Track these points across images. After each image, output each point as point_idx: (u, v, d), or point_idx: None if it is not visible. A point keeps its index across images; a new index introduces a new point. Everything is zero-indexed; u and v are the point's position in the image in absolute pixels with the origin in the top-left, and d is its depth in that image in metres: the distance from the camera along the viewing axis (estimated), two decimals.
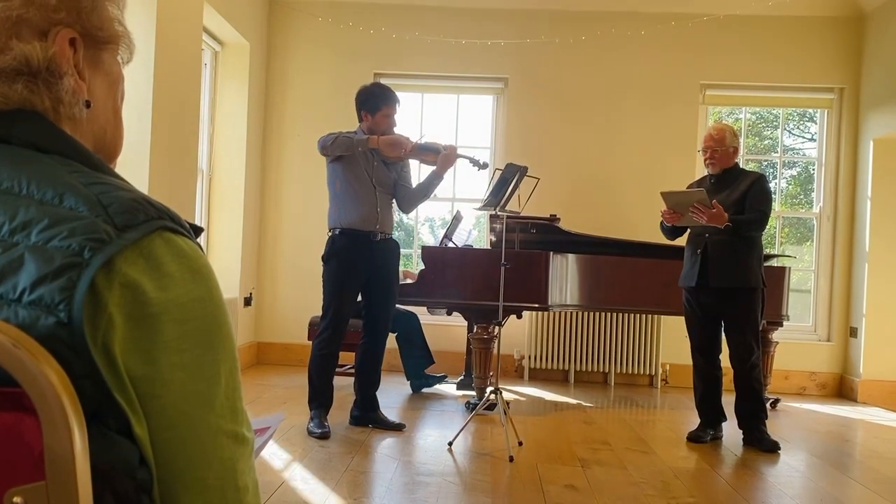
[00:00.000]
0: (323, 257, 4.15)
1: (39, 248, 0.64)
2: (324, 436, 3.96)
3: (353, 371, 5.02)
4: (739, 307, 4.17)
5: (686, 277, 4.32)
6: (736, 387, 4.27)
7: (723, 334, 4.32)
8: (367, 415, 4.27)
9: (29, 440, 0.58)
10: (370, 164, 4.14)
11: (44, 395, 0.57)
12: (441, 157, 4.15)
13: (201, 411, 0.71)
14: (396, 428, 4.22)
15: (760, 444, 4.17)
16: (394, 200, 4.31)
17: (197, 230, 0.78)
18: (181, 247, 0.71)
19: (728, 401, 4.34)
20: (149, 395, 0.67)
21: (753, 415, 4.24)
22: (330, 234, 4.16)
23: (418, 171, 4.96)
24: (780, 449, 4.13)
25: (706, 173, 4.42)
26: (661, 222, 4.36)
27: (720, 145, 4.23)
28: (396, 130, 4.21)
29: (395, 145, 4.04)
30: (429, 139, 4.24)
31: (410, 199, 4.32)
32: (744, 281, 4.14)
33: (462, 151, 4.23)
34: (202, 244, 0.81)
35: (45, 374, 0.58)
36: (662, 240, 4.55)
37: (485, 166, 4.32)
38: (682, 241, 4.49)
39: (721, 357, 4.34)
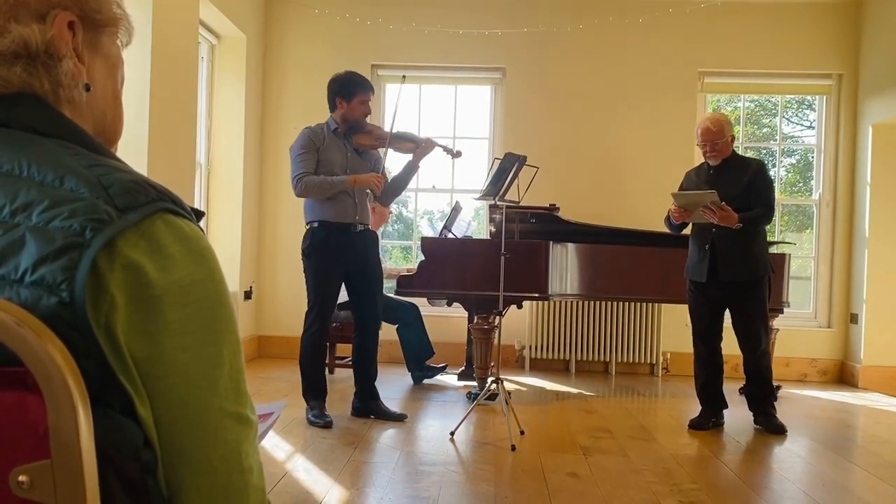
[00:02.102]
0: (303, 251, 4.14)
1: (41, 228, 0.64)
2: (326, 425, 3.97)
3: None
4: (748, 297, 4.17)
5: (695, 271, 4.29)
6: (746, 374, 4.30)
7: (725, 322, 4.33)
8: (367, 405, 4.27)
9: (33, 419, 0.58)
10: (345, 156, 4.14)
11: (48, 373, 0.57)
12: (420, 148, 4.18)
13: (205, 393, 0.71)
14: (398, 418, 4.22)
15: (769, 425, 4.21)
16: (369, 192, 4.28)
17: (198, 214, 0.77)
18: (182, 228, 0.71)
19: (730, 388, 4.36)
20: (152, 376, 0.67)
21: (764, 398, 4.29)
22: (308, 227, 4.14)
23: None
24: (786, 432, 4.17)
25: (702, 161, 4.40)
26: (667, 217, 4.35)
27: (720, 137, 4.21)
28: (370, 119, 4.23)
29: (371, 183, 4.06)
30: (400, 129, 4.24)
31: (389, 190, 4.31)
32: (753, 272, 4.14)
33: (437, 140, 4.25)
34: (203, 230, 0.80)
35: (49, 352, 0.58)
36: (662, 228, 4.54)
37: (458, 154, 4.33)
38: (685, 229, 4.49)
39: (722, 344, 4.36)
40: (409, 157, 4.25)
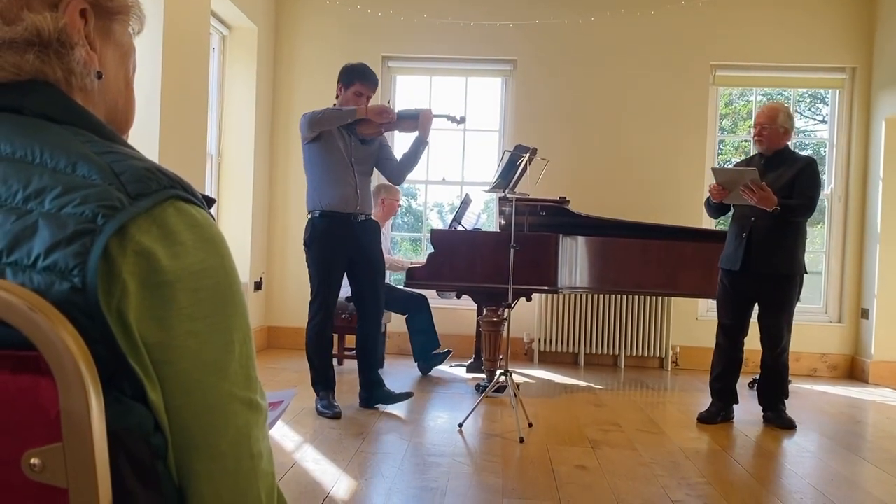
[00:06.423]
0: (305, 242, 4.14)
1: (53, 214, 0.64)
2: (335, 416, 3.98)
3: None
4: (778, 292, 4.14)
5: (729, 260, 4.25)
6: (762, 368, 4.29)
7: (752, 318, 4.30)
8: (372, 393, 4.27)
9: (45, 403, 0.59)
10: (348, 145, 4.12)
11: (60, 358, 0.58)
12: (420, 121, 4.11)
13: (215, 378, 0.71)
14: (404, 397, 4.23)
15: (778, 420, 4.21)
16: (372, 180, 4.28)
17: (209, 201, 0.78)
18: (193, 215, 0.71)
19: (740, 382, 4.34)
20: (163, 361, 0.68)
21: (776, 396, 4.28)
22: (309, 217, 4.14)
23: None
24: (795, 427, 4.16)
25: (757, 152, 4.33)
26: (707, 199, 4.32)
27: (771, 123, 4.15)
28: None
29: (382, 112, 4.02)
30: (402, 108, 4.21)
31: (400, 169, 4.30)
32: (787, 267, 4.10)
33: (437, 111, 4.20)
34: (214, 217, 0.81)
35: (61, 337, 0.58)
36: (671, 221, 4.52)
37: (462, 120, 4.25)
38: (689, 221, 4.47)
39: (744, 340, 4.34)
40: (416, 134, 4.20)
